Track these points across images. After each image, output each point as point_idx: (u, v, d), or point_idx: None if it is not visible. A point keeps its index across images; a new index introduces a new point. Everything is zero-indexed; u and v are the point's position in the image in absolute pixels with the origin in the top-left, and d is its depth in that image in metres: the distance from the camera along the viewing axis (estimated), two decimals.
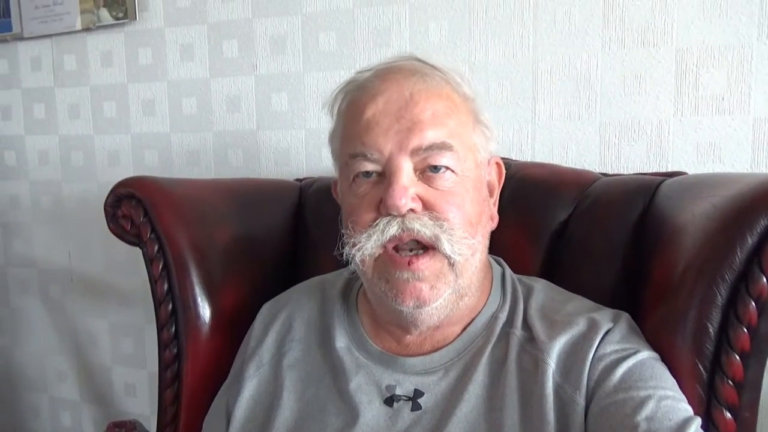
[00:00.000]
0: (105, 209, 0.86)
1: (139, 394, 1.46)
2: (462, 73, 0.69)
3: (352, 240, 0.63)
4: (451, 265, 0.62)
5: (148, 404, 1.45)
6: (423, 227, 0.60)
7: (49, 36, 1.42)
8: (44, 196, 1.52)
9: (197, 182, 0.99)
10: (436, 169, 0.62)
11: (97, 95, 1.41)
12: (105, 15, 1.33)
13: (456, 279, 0.63)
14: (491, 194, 0.71)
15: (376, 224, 0.61)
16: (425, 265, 0.61)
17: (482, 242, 0.66)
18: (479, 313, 0.68)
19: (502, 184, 0.73)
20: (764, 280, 0.55)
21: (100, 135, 1.42)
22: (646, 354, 0.60)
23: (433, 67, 0.67)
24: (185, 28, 1.28)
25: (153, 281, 0.83)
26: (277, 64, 1.21)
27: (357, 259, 0.63)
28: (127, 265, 1.41)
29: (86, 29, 1.37)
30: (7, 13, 1.45)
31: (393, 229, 0.60)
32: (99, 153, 1.42)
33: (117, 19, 1.32)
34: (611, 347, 0.60)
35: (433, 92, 0.64)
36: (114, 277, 1.45)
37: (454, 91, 0.66)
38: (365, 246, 0.62)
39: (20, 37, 1.45)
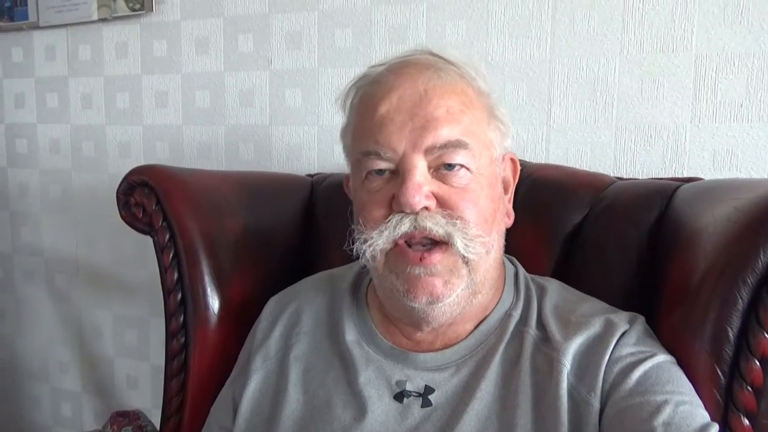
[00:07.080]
0: (117, 196, 0.85)
1: (141, 387, 1.46)
2: (477, 66, 0.67)
3: (363, 236, 0.62)
4: (465, 261, 0.61)
5: (149, 397, 1.44)
6: (435, 226, 0.59)
7: (65, 26, 1.43)
8: (54, 186, 1.52)
9: (210, 173, 0.98)
10: (450, 167, 0.61)
11: (110, 86, 1.41)
12: (121, 6, 1.33)
13: (470, 274, 0.62)
14: (506, 191, 0.70)
15: (388, 221, 0.60)
16: (438, 259, 0.60)
17: (497, 240, 0.65)
18: (492, 310, 0.67)
19: (517, 181, 0.72)
20: None
21: (112, 126, 1.42)
22: (662, 357, 0.59)
23: (447, 61, 0.65)
24: (201, 21, 1.28)
25: (163, 270, 0.83)
26: (292, 60, 1.21)
27: (367, 254, 0.62)
28: (133, 257, 1.41)
29: (102, 20, 1.37)
30: (23, 1, 1.45)
31: (405, 227, 0.60)
32: (110, 144, 1.42)
33: (133, 10, 1.32)
34: (627, 350, 0.59)
35: (448, 88, 0.62)
36: (120, 269, 1.44)
37: (468, 85, 0.65)
38: (376, 242, 0.61)
39: (36, 26, 1.45)
